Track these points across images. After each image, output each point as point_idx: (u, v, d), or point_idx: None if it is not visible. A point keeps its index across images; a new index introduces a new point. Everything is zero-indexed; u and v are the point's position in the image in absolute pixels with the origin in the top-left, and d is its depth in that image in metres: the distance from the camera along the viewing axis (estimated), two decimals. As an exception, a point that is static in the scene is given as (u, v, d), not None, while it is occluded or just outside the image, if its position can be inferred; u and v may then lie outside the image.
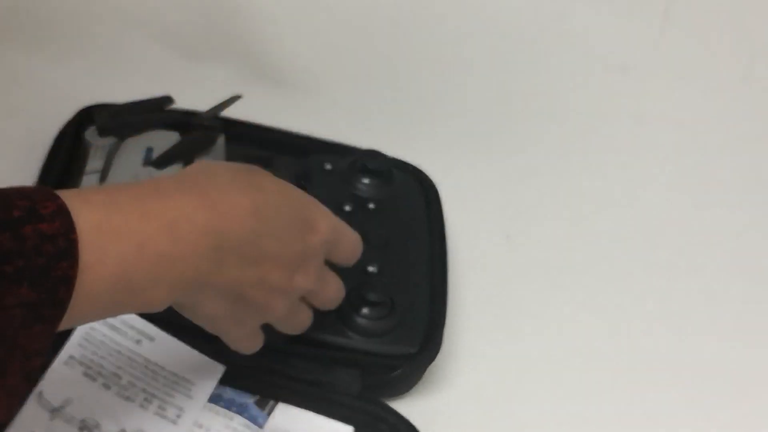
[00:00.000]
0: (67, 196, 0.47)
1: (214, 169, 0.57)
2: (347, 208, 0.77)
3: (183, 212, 0.51)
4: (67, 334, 0.66)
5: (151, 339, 0.67)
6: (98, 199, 0.49)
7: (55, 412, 0.64)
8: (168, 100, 0.79)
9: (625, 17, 1.03)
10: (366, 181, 0.80)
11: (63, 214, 0.46)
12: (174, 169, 0.75)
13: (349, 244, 0.66)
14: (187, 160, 0.76)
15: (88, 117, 0.79)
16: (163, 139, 0.76)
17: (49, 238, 0.45)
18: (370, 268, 0.73)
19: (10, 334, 0.44)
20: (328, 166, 0.80)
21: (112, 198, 0.50)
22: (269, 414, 0.67)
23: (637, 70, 1.01)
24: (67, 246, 0.45)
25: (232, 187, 0.55)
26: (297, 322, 0.65)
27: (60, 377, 0.64)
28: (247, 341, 0.63)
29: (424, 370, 0.72)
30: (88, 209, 0.47)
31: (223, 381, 0.67)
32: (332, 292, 0.66)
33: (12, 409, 0.47)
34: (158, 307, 0.52)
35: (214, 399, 0.66)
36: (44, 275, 0.45)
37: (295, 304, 0.62)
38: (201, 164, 0.57)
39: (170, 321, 0.66)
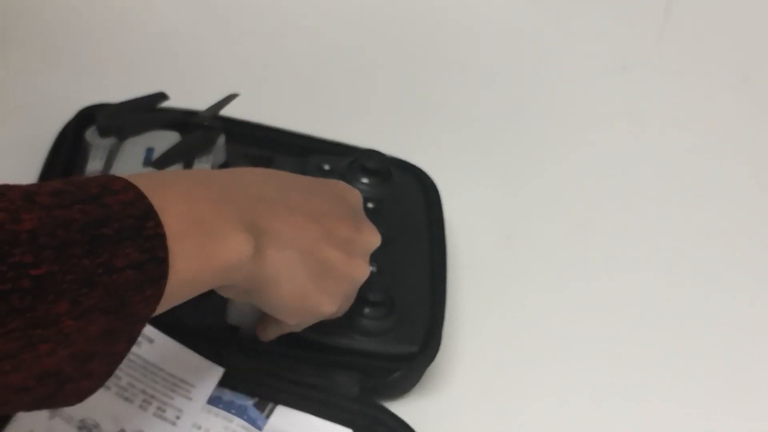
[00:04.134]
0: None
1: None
2: (347, 208, 0.77)
3: (209, 175, 0.58)
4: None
5: (151, 341, 0.67)
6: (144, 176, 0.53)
7: (54, 411, 0.64)
8: (162, 96, 0.79)
9: (625, 17, 1.04)
10: (365, 180, 0.80)
11: (131, 187, 0.49)
12: (174, 169, 0.75)
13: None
14: (188, 160, 0.76)
15: (88, 117, 0.79)
16: (163, 139, 0.76)
17: (129, 204, 0.48)
18: (370, 268, 0.73)
19: (127, 299, 0.47)
20: (327, 167, 0.80)
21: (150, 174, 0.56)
22: (268, 416, 0.67)
23: (637, 70, 1.01)
24: (146, 208, 0.48)
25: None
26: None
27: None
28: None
29: (423, 371, 0.72)
30: (136, 178, 0.51)
31: (223, 383, 0.67)
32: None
33: (111, 373, 0.49)
34: (248, 253, 0.54)
35: (214, 401, 0.66)
36: (139, 234, 0.47)
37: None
38: None
39: (169, 323, 0.66)
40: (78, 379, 0.46)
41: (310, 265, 0.59)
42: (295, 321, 0.63)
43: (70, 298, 0.44)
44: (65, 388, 0.46)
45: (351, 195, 0.66)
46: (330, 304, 0.62)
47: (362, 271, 0.63)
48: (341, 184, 0.66)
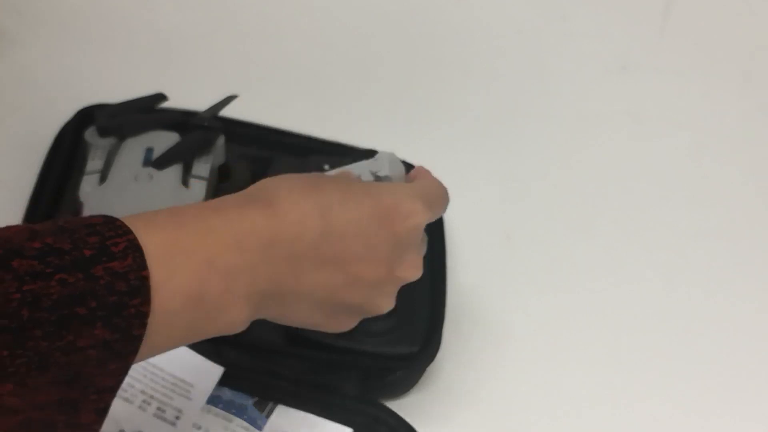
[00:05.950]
0: (131, 221, 0.46)
1: (273, 181, 0.55)
2: (346, 208, 0.77)
3: (247, 225, 0.51)
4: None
5: (151, 340, 0.67)
6: (162, 220, 0.48)
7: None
8: (161, 97, 0.79)
9: (625, 17, 1.04)
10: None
11: (134, 249, 0.45)
12: (174, 170, 0.75)
13: (441, 201, 0.63)
14: (187, 160, 0.76)
15: (88, 117, 0.79)
16: (163, 139, 0.76)
17: (121, 276, 0.44)
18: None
19: (86, 373, 0.43)
20: (327, 167, 0.80)
21: (176, 218, 0.49)
22: (268, 416, 0.67)
23: (637, 70, 1.01)
24: (139, 283, 0.44)
25: (293, 193, 0.53)
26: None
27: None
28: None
29: (424, 371, 0.72)
30: (153, 231, 0.47)
31: (222, 382, 0.67)
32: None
33: None
34: (240, 326, 0.51)
35: (213, 401, 0.66)
36: (117, 314, 0.44)
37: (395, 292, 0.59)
38: (261, 181, 0.55)
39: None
40: None
41: (321, 308, 0.55)
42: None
43: (17, 380, 0.41)
44: None
45: (404, 222, 0.57)
46: (340, 328, 0.58)
47: (385, 306, 0.58)
48: (401, 208, 0.57)
